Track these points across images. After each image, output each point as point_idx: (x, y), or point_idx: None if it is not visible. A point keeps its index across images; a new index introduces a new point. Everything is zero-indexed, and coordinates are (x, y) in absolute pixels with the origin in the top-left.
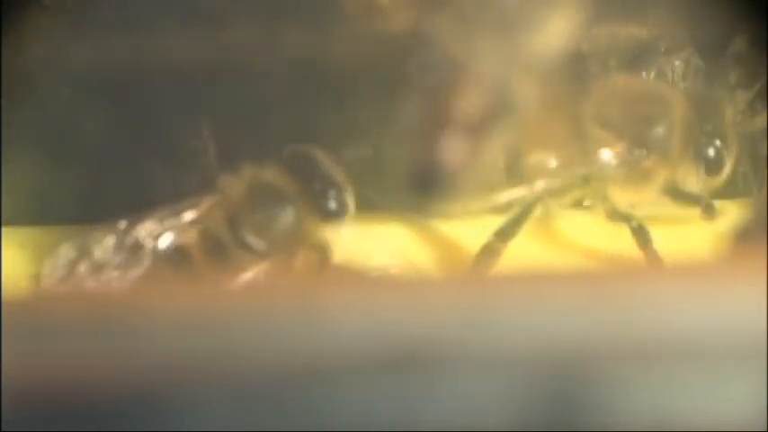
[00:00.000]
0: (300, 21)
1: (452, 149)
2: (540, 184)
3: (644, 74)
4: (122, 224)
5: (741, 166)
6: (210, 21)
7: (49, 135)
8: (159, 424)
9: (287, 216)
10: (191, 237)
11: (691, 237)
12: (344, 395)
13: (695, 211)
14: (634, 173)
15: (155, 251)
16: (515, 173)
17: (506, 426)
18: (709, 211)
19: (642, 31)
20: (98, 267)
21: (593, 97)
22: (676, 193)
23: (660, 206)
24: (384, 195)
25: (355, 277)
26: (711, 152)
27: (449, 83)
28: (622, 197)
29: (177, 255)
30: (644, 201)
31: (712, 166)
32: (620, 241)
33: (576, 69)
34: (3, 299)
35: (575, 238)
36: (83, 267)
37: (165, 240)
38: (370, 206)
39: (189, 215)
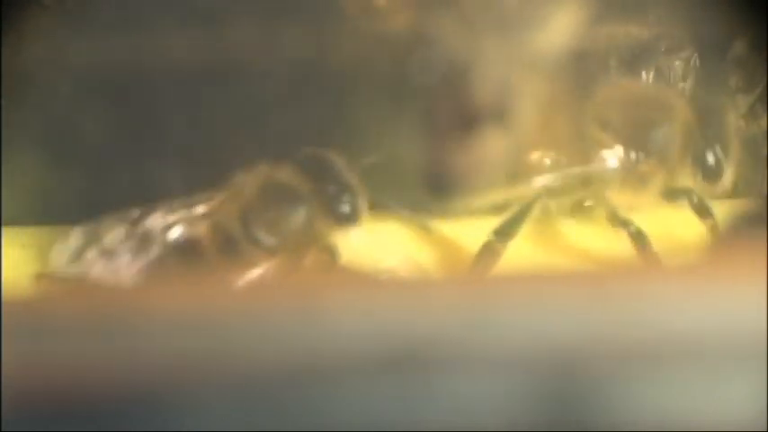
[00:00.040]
0: (300, 21)
1: (455, 149)
2: (539, 183)
3: (644, 73)
4: (135, 213)
5: (741, 167)
6: (210, 21)
7: (49, 135)
8: (159, 424)
9: (299, 215)
10: (201, 229)
11: (687, 238)
12: (344, 395)
13: (689, 211)
14: (632, 176)
15: (165, 241)
16: (515, 171)
17: (506, 426)
18: (702, 210)
19: (642, 31)
20: (107, 254)
21: (595, 99)
22: (671, 194)
23: (658, 210)
24: (385, 195)
25: (355, 277)
26: (711, 159)
27: (449, 83)
28: (621, 200)
29: (187, 246)
30: (642, 204)
31: (711, 173)
32: (620, 245)
33: (577, 68)
34: (3, 299)
35: (574, 241)
36: (92, 254)
37: (176, 231)
38: (372, 206)
39: (201, 208)
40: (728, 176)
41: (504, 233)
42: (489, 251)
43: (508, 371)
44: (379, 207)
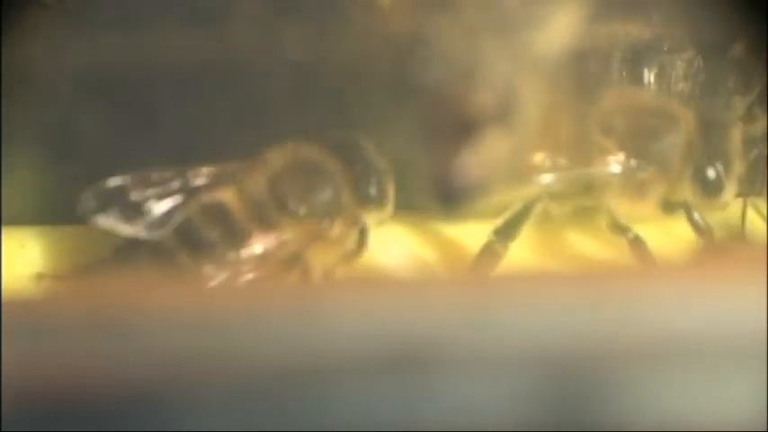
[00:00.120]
0: (300, 21)
1: (456, 151)
2: (540, 184)
3: (646, 73)
4: (167, 173)
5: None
6: (210, 21)
7: (49, 134)
8: (159, 424)
9: (326, 190)
10: (228, 193)
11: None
12: (344, 395)
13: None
14: (632, 183)
15: (193, 201)
16: (517, 173)
17: (506, 426)
18: (698, 226)
19: (643, 31)
20: (137, 208)
21: (600, 104)
22: (669, 206)
23: (656, 221)
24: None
25: (355, 277)
26: (712, 174)
27: (451, 84)
28: (621, 208)
29: (215, 208)
30: (642, 214)
31: (711, 189)
32: (619, 250)
33: (579, 69)
34: (3, 299)
35: (574, 245)
36: (126, 203)
37: (204, 193)
38: None
39: (228, 174)
40: (729, 192)
41: (505, 234)
42: (490, 252)
43: (508, 371)
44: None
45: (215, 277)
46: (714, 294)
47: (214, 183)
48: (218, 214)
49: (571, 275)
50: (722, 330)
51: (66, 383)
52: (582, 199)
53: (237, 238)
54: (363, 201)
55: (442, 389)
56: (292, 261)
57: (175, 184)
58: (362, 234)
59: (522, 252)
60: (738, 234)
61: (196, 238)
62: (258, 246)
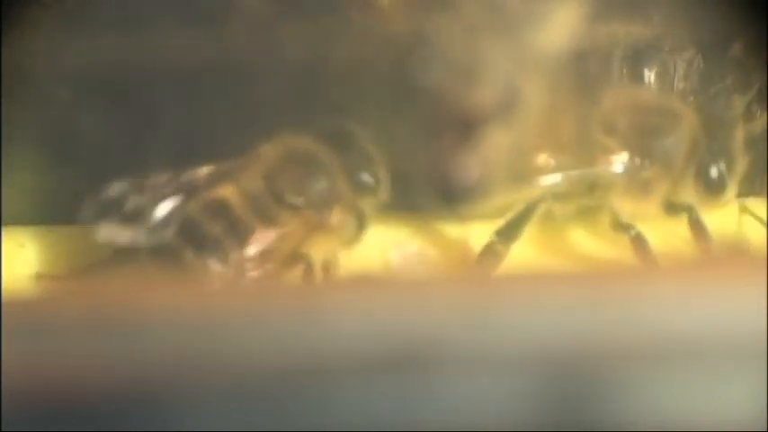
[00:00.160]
0: (301, 21)
1: (458, 151)
2: (543, 185)
3: (646, 72)
4: (164, 175)
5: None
6: (210, 21)
7: (49, 135)
8: (159, 424)
9: (321, 180)
10: (227, 190)
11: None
12: (344, 395)
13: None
14: (635, 182)
15: (194, 200)
16: (520, 173)
17: (506, 426)
18: (698, 229)
19: (644, 31)
20: (140, 212)
21: (602, 103)
22: (672, 207)
23: (659, 220)
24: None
25: (355, 277)
26: (714, 173)
27: (452, 84)
28: (624, 207)
29: (216, 205)
30: (645, 213)
31: (713, 187)
32: (622, 250)
33: (579, 69)
34: (3, 299)
35: (577, 245)
36: (128, 207)
37: (204, 191)
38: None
39: (225, 172)
40: (731, 191)
41: (507, 234)
42: (491, 252)
43: (508, 371)
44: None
45: (220, 275)
46: (714, 294)
47: (211, 182)
48: (221, 211)
49: (571, 275)
50: (722, 330)
51: (67, 383)
52: (585, 199)
53: (241, 234)
54: (358, 187)
55: (442, 389)
56: (295, 255)
57: (172, 187)
58: (360, 219)
59: (524, 252)
60: (736, 240)
61: (200, 235)
62: (261, 241)
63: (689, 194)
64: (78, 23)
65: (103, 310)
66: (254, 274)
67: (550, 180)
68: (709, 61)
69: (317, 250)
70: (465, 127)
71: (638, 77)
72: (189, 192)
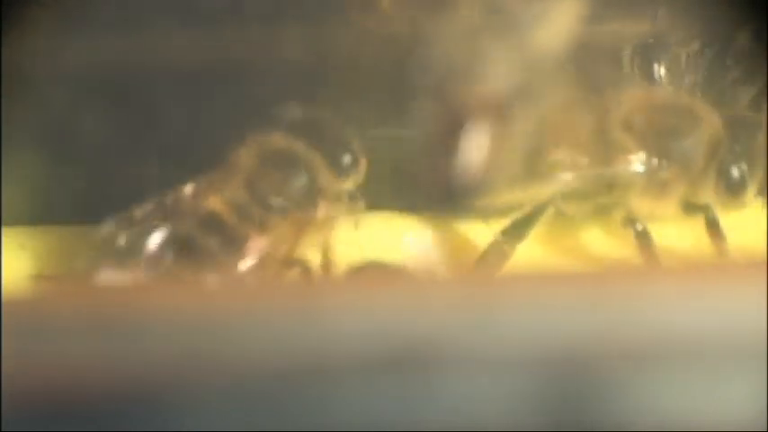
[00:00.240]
0: (301, 21)
1: (459, 151)
2: (557, 182)
3: (656, 67)
4: (150, 205)
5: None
6: (211, 21)
7: (49, 135)
8: (159, 424)
9: (301, 175)
10: (217, 203)
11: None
12: (344, 395)
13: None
14: (653, 182)
15: (188, 220)
16: (532, 172)
17: (507, 426)
18: (715, 229)
19: (651, 26)
20: (137, 244)
21: (621, 103)
22: (690, 208)
23: (676, 219)
24: (396, 194)
25: (355, 277)
26: (735, 173)
27: (455, 83)
28: (642, 207)
29: (210, 221)
30: (662, 213)
31: (734, 187)
32: (631, 247)
33: (589, 67)
34: (3, 299)
35: (591, 246)
36: (123, 241)
37: (196, 209)
38: (381, 204)
39: (209, 187)
40: (751, 192)
41: (513, 234)
42: (496, 251)
43: (508, 371)
44: (390, 205)
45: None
46: (714, 294)
47: (198, 197)
48: (214, 225)
49: (571, 275)
50: (722, 330)
51: (66, 383)
52: (603, 198)
53: (236, 245)
54: (339, 172)
55: (442, 389)
56: (290, 259)
57: (160, 213)
58: (353, 199)
59: (534, 251)
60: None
61: (197, 252)
62: (256, 249)
63: (709, 195)
64: (78, 23)
65: (103, 310)
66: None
67: (567, 178)
68: (715, 54)
69: (312, 249)
70: (465, 125)
71: (648, 73)
72: (177, 213)
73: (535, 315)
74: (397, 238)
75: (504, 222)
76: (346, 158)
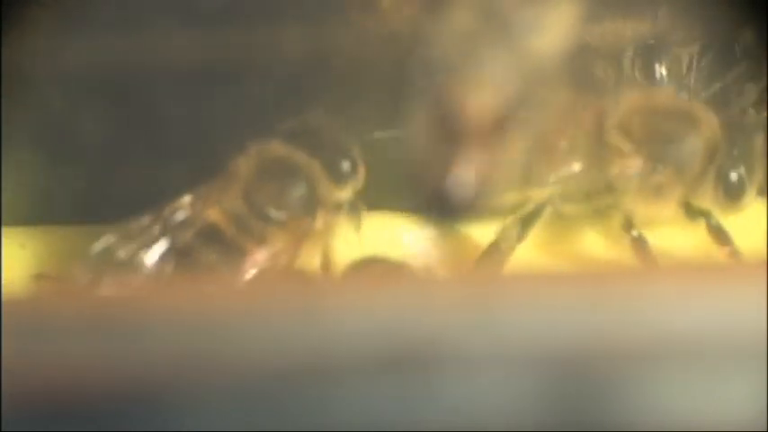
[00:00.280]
0: (300, 21)
1: (458, 163)
2: (553, 186)
3: (657, 67)
4: (150, 216)
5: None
6: (211, 21)
7: (49, 135)
8: (159, 424)
9: (300, 185)
10: (215, 214)
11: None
12: (344, 395)
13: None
14: (648, 186)
15: (187, 233)
16: (528, 174)
17: (506, 426)
18: (719, 234)
19: (651, 26)
20: (137, 255)
21: (618, 105)
22: (690, 212)
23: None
24: (395, 196)
25: (356, 277)
26: (734, 177)
27: (453, 87)
28: (639, 209)
29: (209, 232)
30: (661, 216)
31: (732, 192)
32: (628, 250)
33: (590, 68)
34: (3, 299)
35: (583, 246)
36: (123, 253)
37: (194, 221)
38: (381, 204)
39: (207, 197)
40: (749, 196)
41: (512, 234)
42: (496, 251)
43: (509, 370)
44: (388, 207)
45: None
46: (714, 294)
47: (196, 209)
48: (214, 236)
49: (572, 275)
50: (722, 330)
51: (66, 383)
52: (599, 200)
53: (236, 257)
54: (338, 180)
55: (442, 389)
56: (290, 270)
57: (156, 229)
58: (354, 211)
59: (530, 252)
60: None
61: (197, 264)
62: (254, 262)
63: (707, 199)
64: (78, 23)
65: (103, 310)
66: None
67: (561, 180)
68: (720, 51)
69: (311, 258)
70: (465, 133)
71: (649, 74)
72: (176, 225)
73: (535, 315)
74: (397, 238)
75: (503, 222)
76: (345, 165)
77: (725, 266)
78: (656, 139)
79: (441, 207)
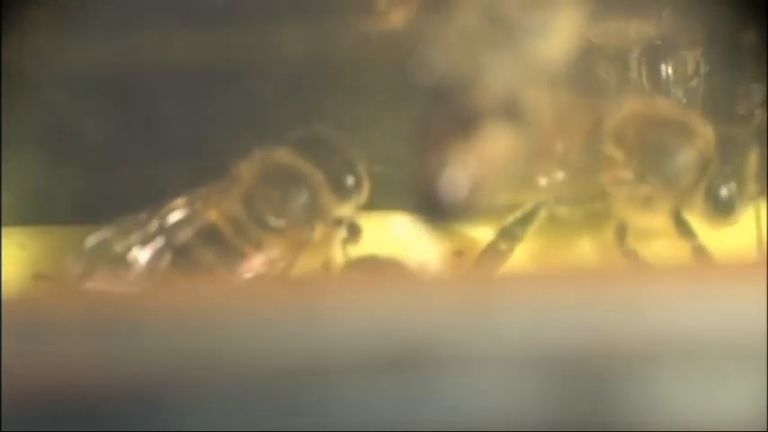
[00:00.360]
0: (300, 21)
1: (451, 165)
2: (546, 188)
3: (662, 68)
4: (149, 212)
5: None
6: (211, 21)
7: (49, 135)
8: (159, 424)
9: (302, 195)
10: (214, 216)
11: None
12: (344, 395)
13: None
14: (637, 196)
15: (186, 233)
16: (520, 178)
17: (506, 425)
18: (698, 251)
19: (656, 28)
20: (133, 252)
21: (616, 112)
22: (680, 227)
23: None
24: (393, 196)
25: (355, 277)
26: (724, 193)
27: (452, 87)
28: (630, 219)
29: (207, 233)
30: (651, 227)
31: (722, 207)
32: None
33: (594, 70)
34: (3, 299)
35: (576, 251)
36: (120, 249)
37: (193, 222)
38: (381, 204)
39: (207, 198)
40: (739, 212)
41: (510, 234)
42: (494, 252)
43: (508, 370)
44: (386, 207)
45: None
46: (714, 294)
47: (194, 209)
48: (213, 236)
49: (571, 276)
50: (722, 330)
51: (66, 383)
52: (590, 205)
53: (232, 259)
54: (341, 194)
55: (441, 389)
56: (286, 277)
57: (154, 226)
58: (352, 229)
59: (525, 257)
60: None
61: (194, 263)
62: (250, 267)
63: (697, 212)
64: (78, 23)
65: (103, 310)
66: None
67: (551, 184)
68: (725, 52)
69: (306, 268)
70: (462, 133)
71: (655, 75)
72: (174, 223)
73: (534, 315)
74: (396, 238)
75: (501, 223)
76: (350, 180)
77: (724, 266)
78: (649, 151)
79: (432, 208)
